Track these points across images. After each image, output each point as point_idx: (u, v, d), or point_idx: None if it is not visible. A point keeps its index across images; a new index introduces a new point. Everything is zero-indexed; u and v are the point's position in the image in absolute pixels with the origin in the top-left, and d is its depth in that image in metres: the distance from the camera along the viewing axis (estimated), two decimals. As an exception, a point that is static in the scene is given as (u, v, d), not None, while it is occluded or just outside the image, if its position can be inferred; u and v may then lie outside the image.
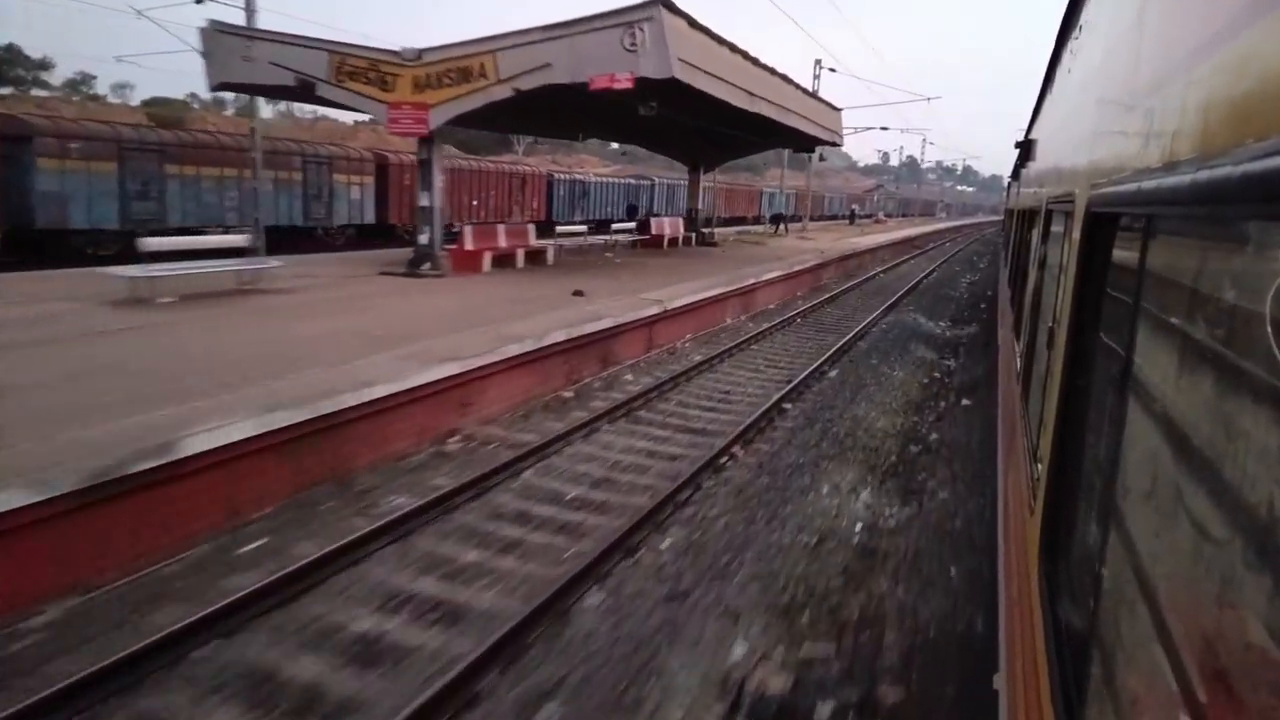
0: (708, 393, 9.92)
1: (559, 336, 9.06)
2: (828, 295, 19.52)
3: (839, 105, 23.49)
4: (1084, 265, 1.71)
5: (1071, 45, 3.25)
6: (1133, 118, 1.35)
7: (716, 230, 34.83)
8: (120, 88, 72.09)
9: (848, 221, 54.98)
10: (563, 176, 38.36)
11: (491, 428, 7.83)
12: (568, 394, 9.30)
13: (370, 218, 26.67)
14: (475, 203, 32.16)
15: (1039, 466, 2.07)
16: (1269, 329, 0.76)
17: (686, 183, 51.01)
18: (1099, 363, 1.67)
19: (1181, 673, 0.89)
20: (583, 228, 20.21)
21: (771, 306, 17.35)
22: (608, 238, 21.19)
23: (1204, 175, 0.78)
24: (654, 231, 22.07)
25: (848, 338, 13.75)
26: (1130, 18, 1.55)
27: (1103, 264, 1.62)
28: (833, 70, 30.17)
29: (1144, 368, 1.29)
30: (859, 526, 6.38)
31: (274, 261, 10.91)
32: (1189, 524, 0.96)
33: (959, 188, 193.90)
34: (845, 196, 78.48)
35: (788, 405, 9.48)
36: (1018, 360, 4.52)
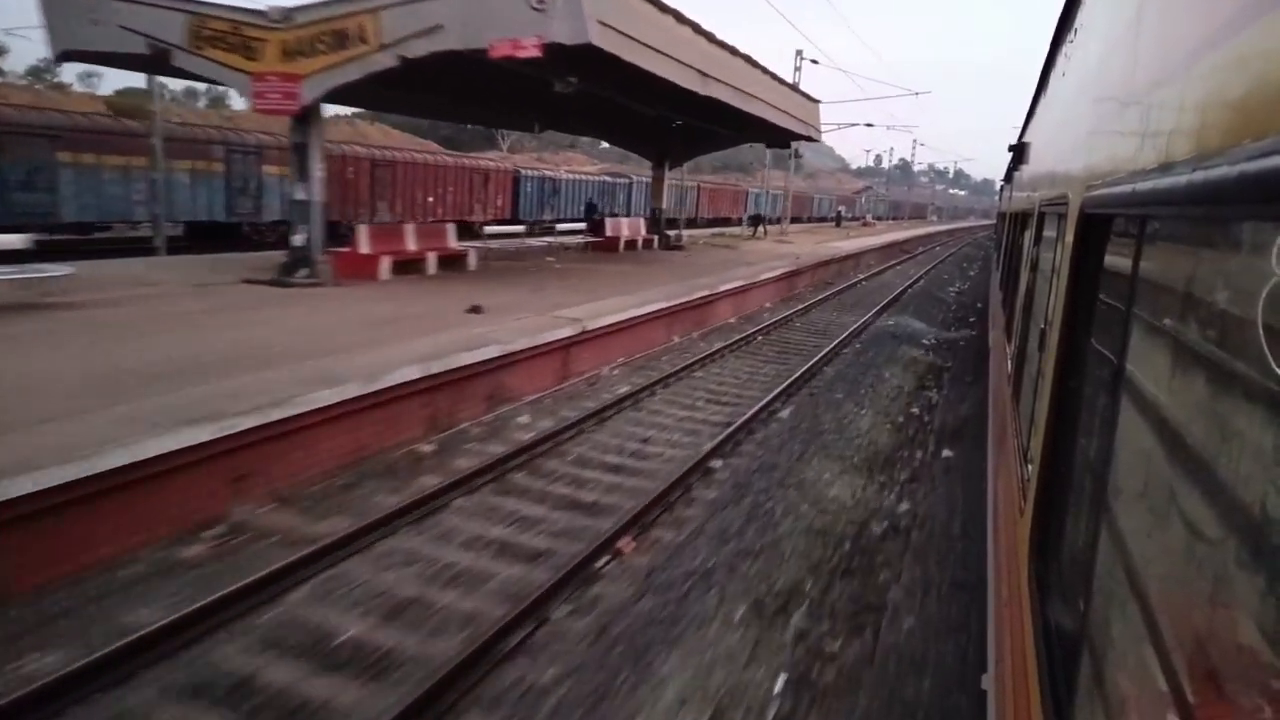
0: (620, 443, 7.74)
1: (411, 373, 6.86)
2: (798, 308, 17.37)
3: (824, 99, 21.44)
4: (1077, 267, 1.71)
5: (1066, 48, 3.19)
6: (1128, 119, 1.34)
7: (690, 232, 32.75)
8: (87, 77, 69.27)
9: (834, 224, 52.94)
10: (530, 173, 36.12)
11: (281, 511, 5.61)
12: (426, 448, 7.10)
13: (307, 214, 24.40)
14: (431, 199, 29.86)
15: (1029, 467, 2.06)
16: (1260, 331, 0.76)
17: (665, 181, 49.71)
18: (1091, 364, 1.67)
19: (1171, 672, 0.89)
20: (520, 228, 17.97)
21: (731, 321, 15.20)
22: (552, 240, 18.97)
23: (1200, 175, 0.78)
24: (609, 233, 19.81)
25: (812, 362, 11.60)
26: (1126, 20, 1.54)
27: (1096, 265, 1.63)
28: (814, 62, 28.00)
29: (1136, 369, 1.29)
30: (781, 681, 4.22)
31: (60, 268, 8.65)
32: (1179, 525, 0.97)
33: (951, 191, 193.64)
34: (834, 198, 76.49)
35: (716, 463, 7.31)
36: (1009, 362, 4.44)
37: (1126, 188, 1.17)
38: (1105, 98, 1.75)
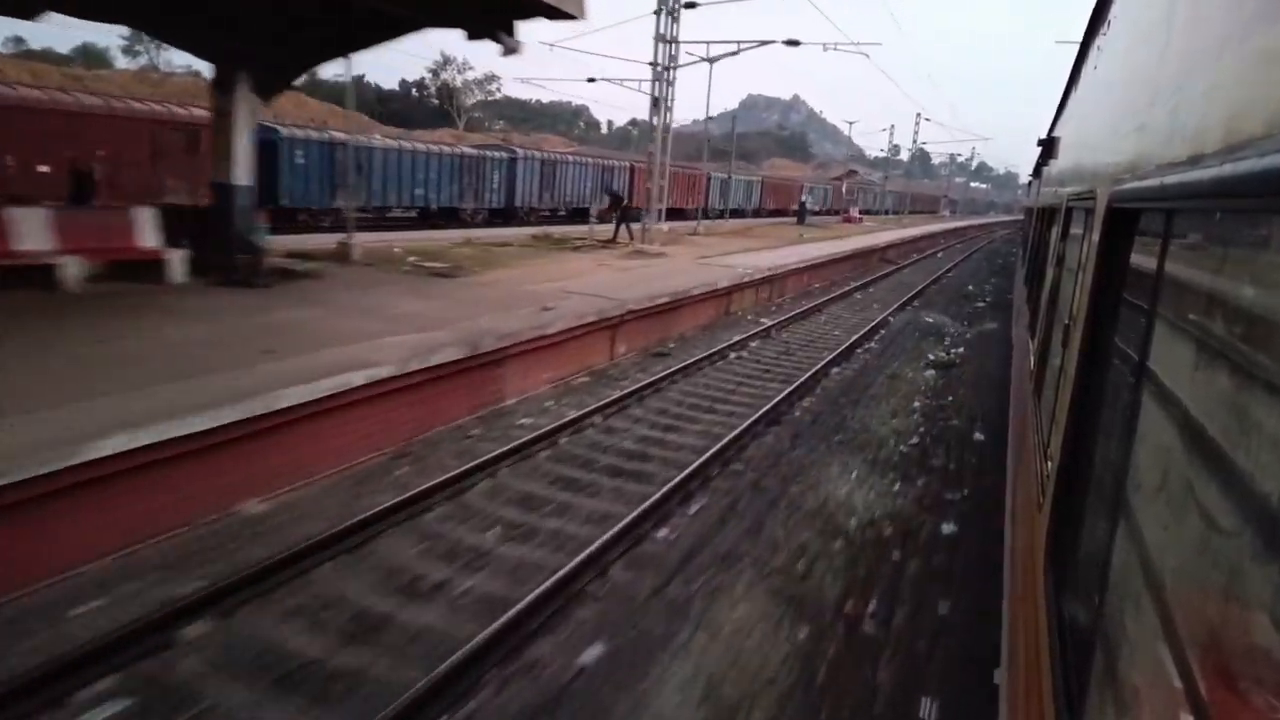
0: None
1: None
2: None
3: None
4: (1103, 262, 1.69)
5: (1099, 42, 3.18)
6: (1158, 113, 1.31)
7: (545, 230, 20.36)
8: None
9: (795, 220, 39.69)
10: (304, 135, 23.75)
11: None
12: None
13: None
14: (46, 168, 17.39)
15: (1049, 463, 2.06)
16: None
17: (572, 160, 35.98)
18: (1114, 360, 1.64)
19: (1186, 672, 0.88)
20: None
21: None
22: None
23: (1229, 169, 0.78)
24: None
25: None
26: (1159, 11, 1.51)
27: (1122, 261, 1.61)
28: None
29: (1159, 366, 1.28)
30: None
31: None
32: (1198, 525, 0.95)
33: (972, 184, 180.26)
34: (828, 186, 62.88)
35: None
36: (1031, 358, 4.44)
37: (1155, 181, 1.17)
38: (1136, 90, 1.68)
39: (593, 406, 7.79)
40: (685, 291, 12.18)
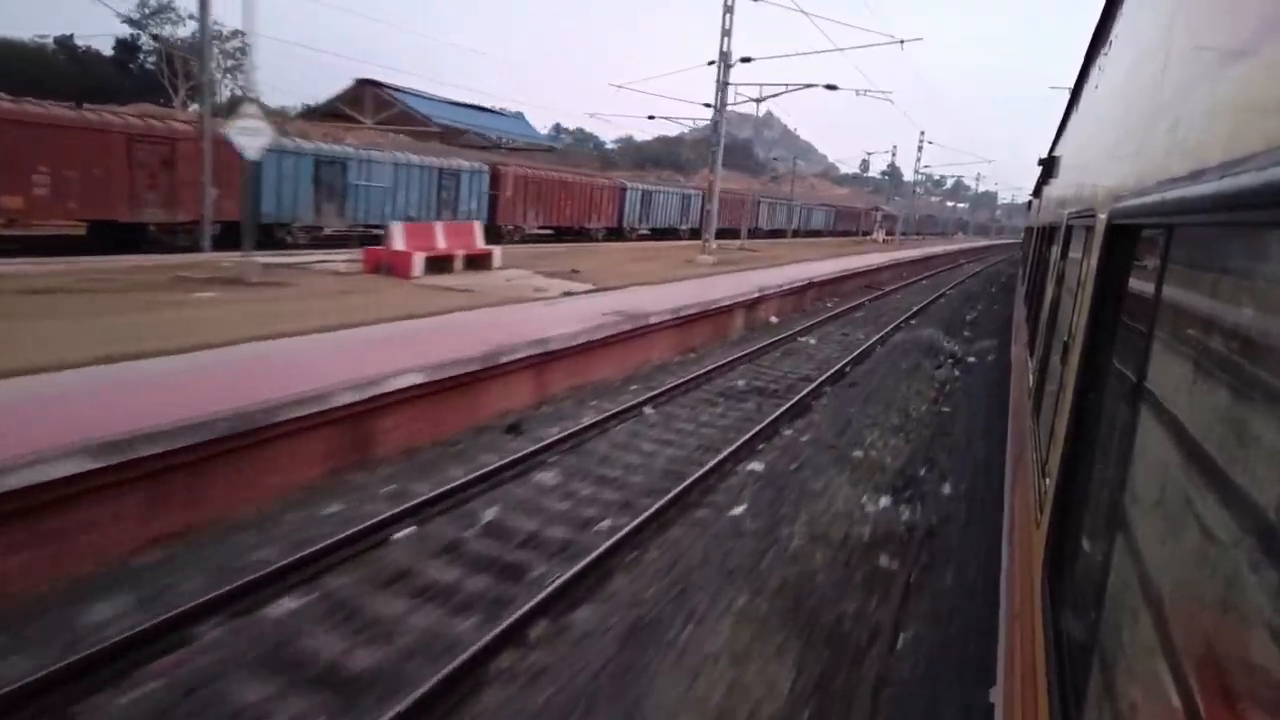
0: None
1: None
2: None
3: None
4: (1102, 279, 1.70)
5: (1100, 61, 3.23)
6: (1158, 130, 1.33)
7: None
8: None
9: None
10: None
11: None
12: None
13: None
14: None
15: (1047, 481, 2.07)
16: None
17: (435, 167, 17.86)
18: (1112, 377, 1.65)
19: (1185, 690, 0.87)
20: None
21: None
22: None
23: (1229, 183, 0.78)
24: None
25: None
26: (1161, 31, 1.54)
27: (1121, 278, 1.62)
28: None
29: (1159, 383, 1.27)
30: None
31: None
32: (1197, 541, 0.95)
33: (948, 203, 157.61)
34: (693, 193, 38.80)
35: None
36: (1030, 375, 4.56)
37: (1155, 197, 1.17)
38: (1136, 108, 1.72)
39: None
40: None
